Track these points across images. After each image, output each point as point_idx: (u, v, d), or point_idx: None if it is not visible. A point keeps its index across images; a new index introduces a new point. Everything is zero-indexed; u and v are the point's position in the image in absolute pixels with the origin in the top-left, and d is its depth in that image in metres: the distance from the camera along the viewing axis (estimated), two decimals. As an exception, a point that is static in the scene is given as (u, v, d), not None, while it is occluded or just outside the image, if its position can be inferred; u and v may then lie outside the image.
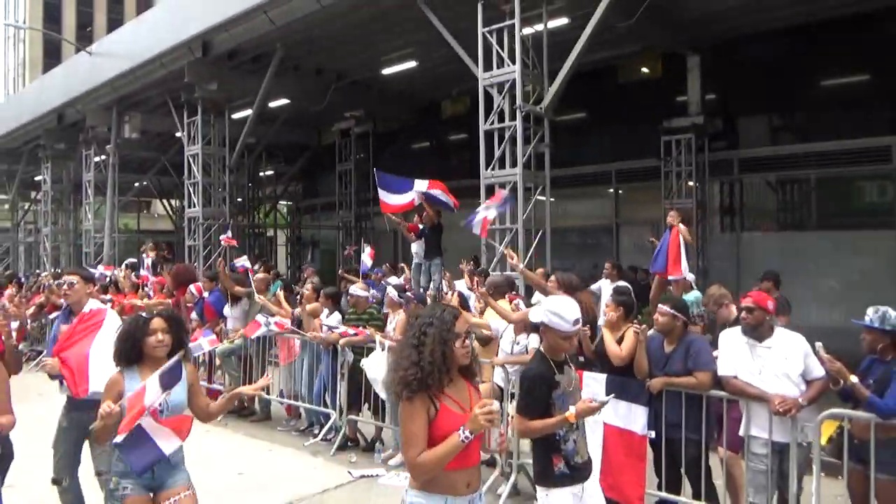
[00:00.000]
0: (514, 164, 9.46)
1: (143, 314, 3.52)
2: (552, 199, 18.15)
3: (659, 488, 4.56)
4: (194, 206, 15.64)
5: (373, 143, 19.70)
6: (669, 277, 8.15)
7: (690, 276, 9.12)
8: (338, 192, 19.93)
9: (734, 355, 4.15)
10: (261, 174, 26.09)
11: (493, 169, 9.67)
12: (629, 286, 6.37)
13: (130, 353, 3.31)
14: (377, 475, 5.85)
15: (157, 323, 3.33)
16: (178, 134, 17.23)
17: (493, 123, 9.72)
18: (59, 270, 16.22)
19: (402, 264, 12.89)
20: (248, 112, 15.85)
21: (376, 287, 9.36)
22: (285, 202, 29.73)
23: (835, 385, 3.83)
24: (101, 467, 3.87)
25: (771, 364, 4.01)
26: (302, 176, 25.79)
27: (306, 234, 26.86)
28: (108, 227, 19.72)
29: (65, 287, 4.29)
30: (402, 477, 5.80)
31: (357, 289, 6.73)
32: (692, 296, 8.94)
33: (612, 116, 16.56)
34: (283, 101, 17.79)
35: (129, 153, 22.29)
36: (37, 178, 25.40)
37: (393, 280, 9.57)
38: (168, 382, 3.09)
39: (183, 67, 14.93)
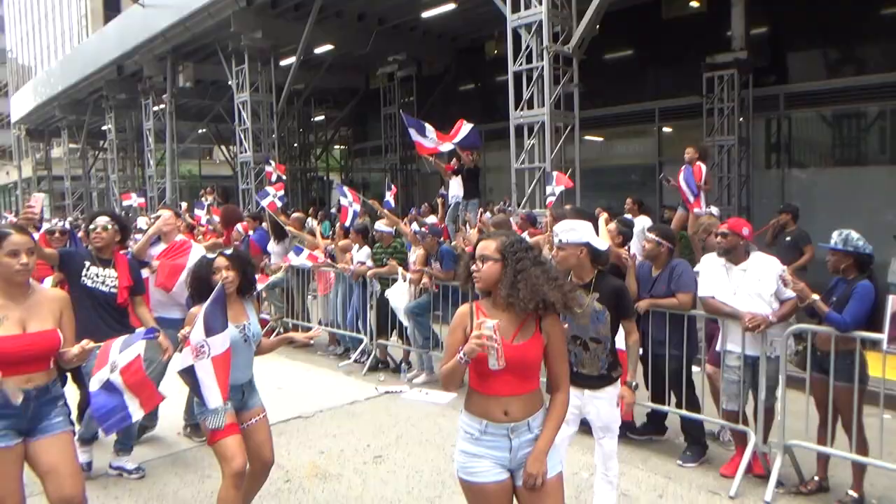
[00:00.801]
0: (542, 105, 9.63)
1: (207, 255, 3.78)
2: (599, 139, 18.23)
3: (649, 400, 4.97)
4: (245, 152, 16.36)
5: (416, 86, 19.90)
6: (695, 210, 8.30)
7: (715, 211, 9.27)
8: (383, 136, 20.36)
9: (711, 277, 4.47)
10: (312, 119, 26.73)
11: (521, 110, 9.88)
12: (632, 220, 6.62)
13: (202, 291, 3.42)
14: (400, 391, 6.45)
15: (219, 261, 3.46)
16: (230, 82, 17.88)
17: (521, 64, 9.88)
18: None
19: (439, 200, 13.14)
20: (297, 59, 16.30)
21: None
22: (338, 146, 30.39)
23: (801, 304, 4.12)
24: None
25: (745, 285, 4.31)
26: (352, 120, 26.26)
27: (357, 176, 27.51)
28: (168, 173, 20.77)
29: (98, 230, 4.32)
30: (424, 393, 6.41)
31: (381, 225, 7.24)
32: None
33: (656, 54, 16.32)
34: (328, 48, 18.13)
35: (186, 101, 23.17)
36: (103, 128, 26.70)
37: (430, 219, 10.02)
38: (212, 327, 3.12)
39: (229, 17, 15.43)
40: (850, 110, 14.11)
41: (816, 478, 4.20)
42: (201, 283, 3.46)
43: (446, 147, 9.38)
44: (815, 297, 4.02)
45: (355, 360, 7.44)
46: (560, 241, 3.54)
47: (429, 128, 9.68)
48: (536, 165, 9.90)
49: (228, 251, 3.67)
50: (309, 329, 8.44)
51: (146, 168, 22.21)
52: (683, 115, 15.64)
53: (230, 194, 19.01)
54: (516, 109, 9.97)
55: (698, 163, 8.34)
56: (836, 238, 4.00)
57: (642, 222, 8.98)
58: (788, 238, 8.10)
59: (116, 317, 4.23)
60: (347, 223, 7.98)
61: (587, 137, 18.55)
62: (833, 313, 3.90)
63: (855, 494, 4.00)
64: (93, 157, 32.37)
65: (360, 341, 7.47)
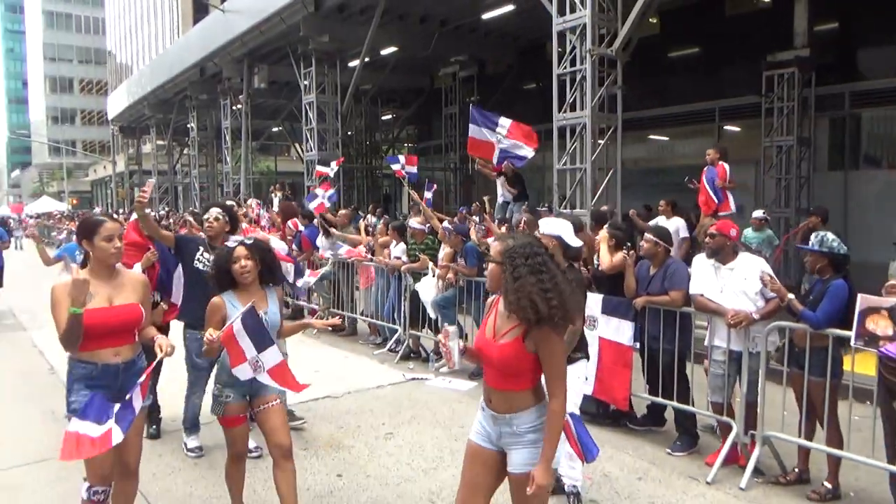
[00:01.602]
0: (583, 108, 9.87)
1: (230, 244, 3.79)
2: (663, 138, 18.05)
3: (647, 392, 5.24)
4: (311, 150, 17.22)
5: (477, 86, 20.31)
6: (720, 213, 8.39)
7: (758, 213, 9.29)
8: (444, 135, 20.86)
9: (701, 276, 4.70)
10: (380, 118, 27.55)
11: (564, 112, 10.15)
12: (623, 224, 6.78)
13: (223, 279, 3.52)
14: (426, 378, 6.91)
15: (239, 251, 3.49)
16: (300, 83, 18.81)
17: (566, 67, 10.14)
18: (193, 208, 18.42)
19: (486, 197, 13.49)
20: (364, 60, 17.02)
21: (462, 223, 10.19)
22: (408, 144, 31.16)
23: (782, 302, 4.32)
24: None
25: (731, 283, 4.53)
26: (417, 119, 26.91)
27: (422, 174, 28.11)
28: (243, 169, 22.02)
29: (211, 220, 4.79)
30: (447, 381, 6.85)
31: (414, 222, 7.72)
32: (763, 234, 9.18)
33: (718, 51, 16.13)
34: (393, 49, 18.80)
35: (263, 101, 24.41)
36: (187, 126, 28.43)
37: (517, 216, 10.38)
38: (258, 341, 3.30)
39: (299, 22, 16.29)
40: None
41: (797, 469, 4.40)
42: (221, 273, 3.52)
43: (497, 155, 9.78)
44: (791, 296, 4.22)
45: (389, 349, 7.96)
46: (542, 232, 4.05)
47: (502, 120, 10.05)
48: (578, 166, 10.14)
49: (248, 241, 3.67)
50: (354, 319, 9.11)
51: (224, 164, 23.54)
52: (744, 115, 15.42)
53: (298, 190, 19.98)
54: (560, 111, 10.24)
55: (721, 163, 8.38)
56: (813, 240, 4.19)
57: (676, 223, 9.16)
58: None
59: None
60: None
61: (651, 137, 18.59)
62: (807, 311, 4.10)
63: (829, 485, 4.18)
64: (178, 153, 34.41)
65: (395, 331, 7.99)
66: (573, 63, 10.03)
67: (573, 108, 10.07)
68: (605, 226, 5.44)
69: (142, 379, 3.11)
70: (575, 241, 4.09)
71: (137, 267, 4.61)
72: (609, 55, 9.95)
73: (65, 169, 57.47)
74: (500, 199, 11.61)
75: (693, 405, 4.98)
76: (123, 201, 39.54)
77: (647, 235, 5.03)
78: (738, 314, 4.38)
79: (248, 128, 21.67)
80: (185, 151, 33.72)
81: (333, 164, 12.74)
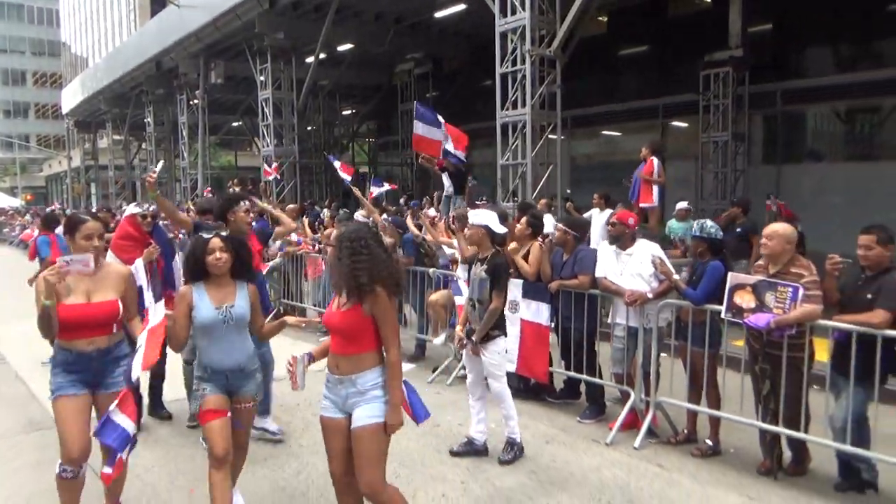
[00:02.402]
0: (524, 105, 10.39)
1: (205, 235, 3.74)
2: (616, 133, 18.64)
3: (562, 368, 5.76)
4: (268, 146, 17.47)
5: (434, 82, 20.74)
6: (641, 205, 8.96)
7: (682, 205, 9.90)
8: (401, 131, 21.27)
9: (604, 261, 5.23)
10: (342, 114, 27.79)
11: (506, 110, 10.65)
12: (541, 213, 7.23)
13: (195, 270, 3.51)
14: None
15: (215, 242, 3.50)
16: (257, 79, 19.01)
17: (507, 67, 10.64)
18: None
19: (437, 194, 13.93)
20: (320, 56, 17.31)
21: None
22: (369, 140, 31.45)
23: (670, 283, 4.87)
24: (187, 356, 4.79)
25: (629, 267, 5.06)
26: (376, 115, 27.26)
27: (381, 169, 28.52)
28: (200, 165, 22.10)
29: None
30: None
31: (359, 215, 8.14)
32: (685, 224, 9.79)
33: (662, 51, 16.87)
34: (349, 46, 19.11)
35: (220, 96, 24.49)
36: (145, 121, 28.29)
37: (431, 212, 10.85)
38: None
39: (254, 18, 16.51)
40: (849, 105, 14.44)
41: (685, 431, 4.96)
42: (197, 263, 3.49)
43: (445, 148, 10.11)
44: (676, 276, 4.77)
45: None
46: (471, 222, 4.70)
47: (442, 122, 10.40)
48: (520, 162, 10.66)
49: (224, 233, 3.75)
50: (303, 309, 9.49)
51: (181, 159, 23.58)
52: (685, 112, 16.16)
53: (256, 185, 20.15)
54: (502, 109, 10.74)
55: (651, 158, 8.93)
56: (695, 226, 4.75)
57: (605, 216, 9.70)
58: (738, 230, 8.68)
59: None
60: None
61: (603, 132, 19.27)
62: (688, 289, 4.66)
63: (710, 443, 4.74)
64: (135, 148, 34.14)
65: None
66: (514, 63, 10.53)
67: (515, 106, 10.58)
68: (525, 216, 5.91)
69: (114, 404, 3.36)
70: (500, 229, 4.68)
71: (139, 262, 4.64)
72: (548, 55, 10.47)
73: (18, 164, 56.27)
74: (445, 193, 11.99)
75: (601, 378, 5.52)
76: (79, 197, 39.06)
77: (559, 225, 5.55)
78: (633, 294, 4.91)
79: (206, 123, 21.76)
80: (142, 146, 33.52)
81: (271, 169, 13.04)
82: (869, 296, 3.95)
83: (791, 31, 14.53)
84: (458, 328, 4.87)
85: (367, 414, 3.02)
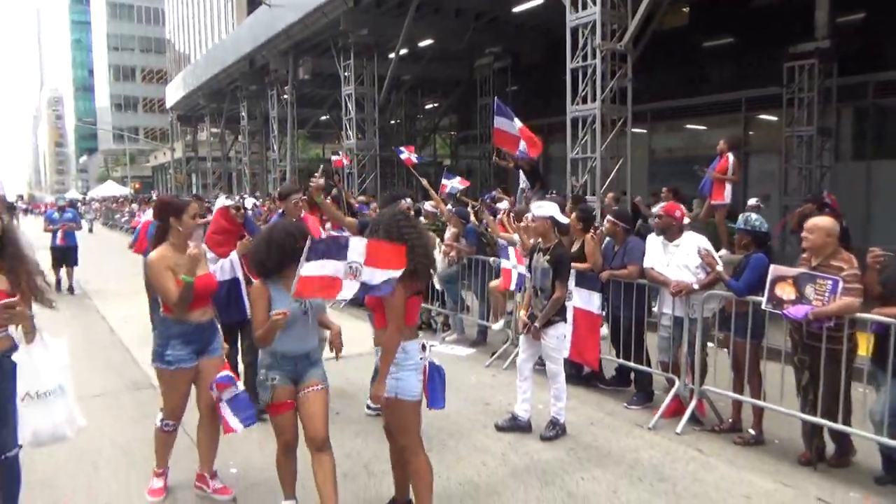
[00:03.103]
0: (594, 100, 10.49)
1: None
2: (701, 127, 18.32)
3: (614, 355, 5.96)
4: (349, 139, 18.20)
5: (512, 76, 20.91)
6: (712, 203, 8.89)
7: (752, 202, 9.76)
8: (479, 125, 21.55)
9: (652, 252, 5.38)
10: (426, 107, 28.37)
11: (576, 104, 10.78)
12: (590, 207, 7.36)
13: (285, 262, 3.41)
14: (432, 345, 7.72)
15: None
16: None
17: (578, 62, 10.76)
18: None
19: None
20: (402, 52, 17.87)
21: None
22: (453, 133, 31.90)
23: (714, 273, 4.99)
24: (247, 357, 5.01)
25: (676, 258, 5.20)
26: (458, 108, 27.66)
27: (462, 162, 28.94)
28: (288, 156, 23.20)
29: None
30: (450, 347, 7.68)
31: (428, 205, 8.53)
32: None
33: (744, 42, 16.41)
34: (429, 42, 19.59)
35: (308, 91, 25.56)
36: (240, 115, 29.87)
37: (503, 204, 11.14)
38: (336, 253, 3.19)
39: (339, 16, 17.23)
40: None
41: (731, 420, 5.08)
42: (285, 255, 3.40)
43: (521, 146, 10.32)
44: (720, 267, 4.90)
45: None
46: (534, 215, 5.03)
47: (517, 121, 10.65)
48: (589, 156, 10.77)
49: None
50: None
51: (272, 151, 24.80)
52: (768, 105, 15.68)
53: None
54: (573, 104, 10.88)
55: (727, 154, 8.83)
56: (740, 220, 4.86)
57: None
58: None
59: None
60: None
61: (686, 127, 18.93)
62: (732, 280, 4.78)
63: (753, 432, 4.85)
64: (231, 140, 36.02)
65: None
66: (585, 58, 10.64)
67: (585, 101, 10.69)
68: (575, 209, 6.13)
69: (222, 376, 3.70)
70: (563, 219, 5.02)
71: (234, 254, 4.90)
72: (619, 50, 10.51)
73: (128, 155, 60.30)
74: (520, 187, 12.19)
75: (650, 366, 5.69)
76: (181, 186, 41.61)
77: (609, 217, 5.74)
78: (678, 284, 5.07)
79: (294, 117, 22.82)
80: (237, 139, 35.35)
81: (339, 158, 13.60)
82: (910, 290, 3.98)
83: (884, 20, 13.84)
84: (522, 313, 5.15)
85: (388, 387, 3.30)
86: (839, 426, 4.27)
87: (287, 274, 3.35)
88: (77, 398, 5.64)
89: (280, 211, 5.35)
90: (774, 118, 16.05)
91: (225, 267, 4.92)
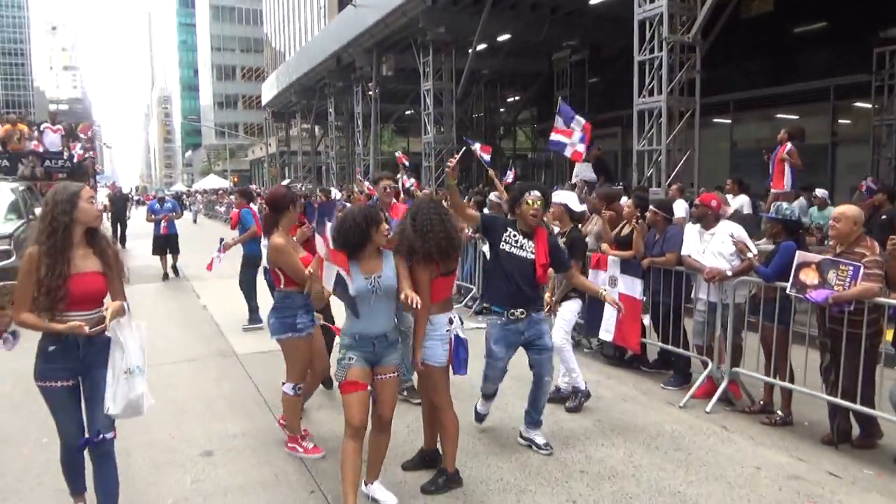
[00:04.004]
0: (660, 92, 10.59)
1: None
2: (790, 116, 17.88)
3: (658, 340, 6.22)
4: (428, 133, 18.83)
5: (591, 69, 20.93)
6: (772, 190, 8.87)
7: (820, 192, 9.62)
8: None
9: (690, 240, 5.60)
10: (507, 100, 28.68)
11: (643, 97, 10.90)
12: (646, 195, 7.47)
13: (359, 240, 3.47)
14: (483, 327, 8.19)
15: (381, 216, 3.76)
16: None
17: (646, 54, 10.87)
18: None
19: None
20: (480, 47, 18.33)
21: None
22: (535, 125, 32.08)
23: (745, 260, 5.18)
24: None
25: (711, 246, 5.40)
26: (538, 101, 27.83)
27: (541, 155, 29.09)
28: (372, 150, 24.13)
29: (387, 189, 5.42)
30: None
31: (493, 196, 8.97)
32: (826, 212, 9.53)
33: (832, 28, 15.79)
34: (506, 36, 19.92)
35: (392, 87, 26.44)
36: (328, 111, 31.21)
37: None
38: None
39: (418, 15, 17.87)
40: None
41: (762, 402, 5.27)
42: (363, 234, 3.46)
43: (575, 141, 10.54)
44: (751, 254, 5.10)
45: (465, 305, 9.32)
46: (554, 201, 5.34)
47: (578, 118, 10.90)
48: (654, 148, 10.88)
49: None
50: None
51: (356, 146, 25.86)
52: (858, 93, 15.08)
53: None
54: (639, 96, 11.01)
55: (787, 143, 8.79)
56: (772, 209, 5.04)
57: (740, 201, 9.73)
58: (884, 217, 8.35)
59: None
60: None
61: (772, 116, 18.40)
62: (761, 267, 4.97)
63: (781, 414, 5.03)
64: (320, 135, 37.59)
65: (471, 290, 9.34)
66: (652, 50, 10.74)
67: (651, 93, 10.80)
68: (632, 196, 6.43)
69: None
70: (578, 207, 5.36)
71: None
72: (687, 42, 10.55)
73: (227, 150, 63.79)
74: (574, 179, 12.26)
75: (688, 349, 5.92)
76: (275, 179, 43.77)
77: (651, 207, 6.00)
78: (711, 271, 5.29)
79: (377, 112, 23.71)
80: (326, 134, 36.83)
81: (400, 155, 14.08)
82: (929, 275, 4.10)
83: None
84: (547, 295, 5.57)
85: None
86: (857, 407, 4.42)
87: (360, 256, 3.49)
88: (173, 362, 6.57)
89: (374, 196, 5.38)
90: (866, 106, 15.43)
91: None
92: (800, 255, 4.63)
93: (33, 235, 3.10)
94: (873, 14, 13.74)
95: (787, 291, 4.67)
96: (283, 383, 4.39)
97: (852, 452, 4.52)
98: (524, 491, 3.90)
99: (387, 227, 3.61)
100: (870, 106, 14.32)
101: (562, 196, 5.40)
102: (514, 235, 4.28)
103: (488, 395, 4.65)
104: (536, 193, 4.26)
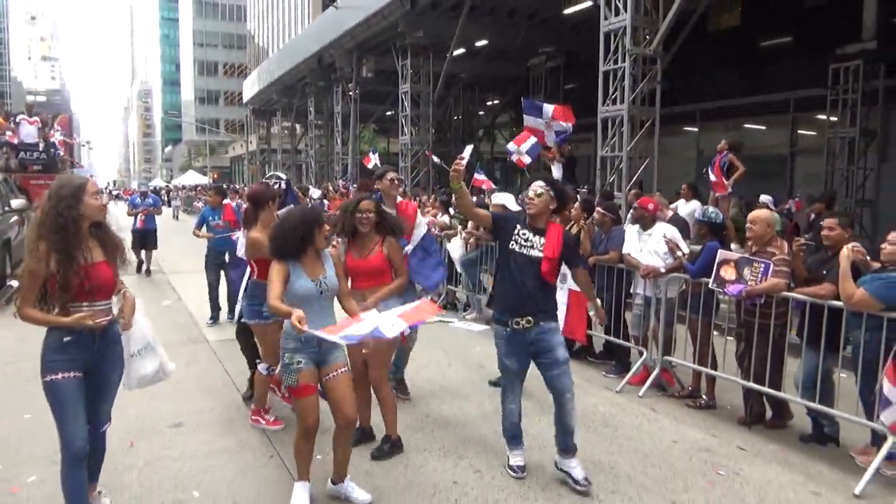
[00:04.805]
0: (622, 101, 11.12)
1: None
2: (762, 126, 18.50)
3: (603, 332, 6.71)
4: (405, 135, 19.27)
5: (566, 75, 21.50)
6: (716, 194, 9.45)
7: (766, 199, 10.21)
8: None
9: (630, 240, 6.11)
10: (487, 104, 29.18)
11: (606, 105, 11.43)
12: (592, 199, 7.95)
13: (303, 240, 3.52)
14: (451, 321, 8.66)
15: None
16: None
17: (610, 65, 11.40)
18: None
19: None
20: (458, 51, 18.80)
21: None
22: (514, 129, 32.65)
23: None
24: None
25: (648, 245, 5.91)
26: (515, 105, 28.34)
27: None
28: (350, 150, 24.51)
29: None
30: (466, 324, 8.57)
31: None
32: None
33: (794, 43, 16.51)
34: (484, 42, 20.42)
35: (373, 88, 26.81)
36: (309, 109, 31.51)
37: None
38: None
39: (398, 18, 18.30)
40: None
41: (689, 387, 5.78)
42: (307, 240, 3.55)
43: (550, 138, 11.01)
44: (681, 253, 5.61)
45: (430, 300, 9.75)
46: (493, 202, 5.75)
47: (546, 107, 11.14)
48: (616, 154, 11.41)
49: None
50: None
51: (335, 145, 26.23)
52: (816, 106, 15.74)
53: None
54: (603, 104, 11.53)
55: (726, 152, 9.40)
56: (699, 212, 5.55)
57: (692, 206, 10.28)
58: (821, 223, 8.91)
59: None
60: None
61: (736, 126, 19.08)
62: (688, 264, 5.49)
63: (706, 398, 5.55)
64: (301, 134, 37.86)
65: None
66: (616, 61, 11.27)
67: (615, 102, 11.32)
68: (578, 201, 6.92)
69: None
70: (514, 207, 5.81)
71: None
72: (649, 54, 11.09)
73: (208, 146, 63.68)
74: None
75: (628, 341, 6.42)
76: (255, 177, 43.92)
77: (598, 209, 6.50)
78: (647, 268, 5.80)
79: (357, 113, 24.10)
80: (307, 132, 37.10)
81: (374, 157, 14.51)
82: (825, 272, 4.63)
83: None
84: None
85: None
86: (767, 389, 4.93)
87: (304, 257, 3.53)
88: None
89: (378, 192, 5.01)
90: (822, 118, 16.12)
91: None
92: (721, 254, 5.15)
93: (33, 231, 3.03)
94: (833, 31, 14.42)
95: (710, 286, 5.18)
96: (258, 363, 4.87)
97: (765, 432, 5.03)
98: (462, 456, 4.36)
99: (327, 228, 3.75)
100: (825, 118, 14.99)
101: (501, 197, 5.84)
102: (524, 233, 3.94)
103: (514, 437, 4.15)
104: (538, 183, 3.97)
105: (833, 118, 14.52)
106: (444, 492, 3.91)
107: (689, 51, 13.31)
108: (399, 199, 5.13)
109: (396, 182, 5.06)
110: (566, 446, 4.02)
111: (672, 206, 10.61)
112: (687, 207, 9.95)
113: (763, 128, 18.25)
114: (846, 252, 4.30)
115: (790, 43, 16.58)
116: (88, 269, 3.02)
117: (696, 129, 19.72)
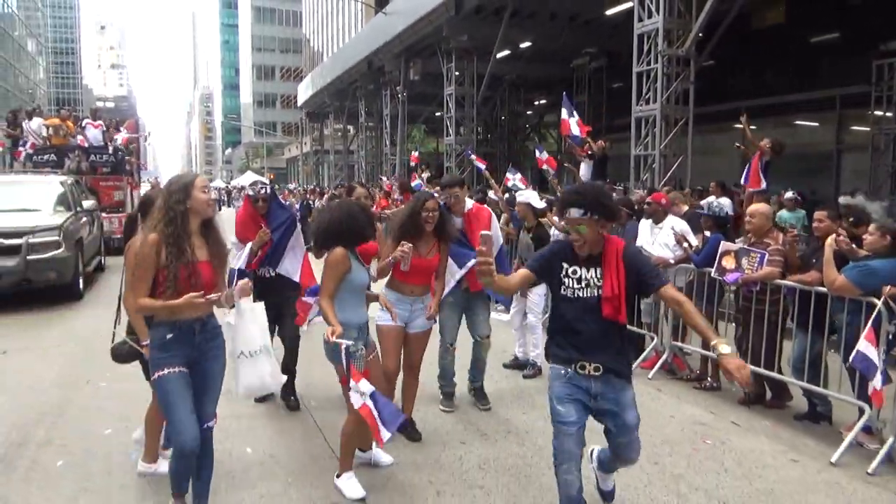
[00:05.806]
0: (655, 101, 11.43)
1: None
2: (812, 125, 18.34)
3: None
4: (450, 136, 19.86)
5: (609, 75, 21.72)
6: (750, 190, 9.63)
7: (789, 195, 10.36)
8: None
9: (643, 233, 6.52)
10: (531, 104, 29.55)
11: (640, 105, 11.75)
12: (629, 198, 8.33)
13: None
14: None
15: (431, 203, 4.35)
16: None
17: (644, 66, 11.72)
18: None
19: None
20: (502, 53, 19.31)
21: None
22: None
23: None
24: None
25: (659, 238, 6.31)
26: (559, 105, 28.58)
27: (565, 156, 29.81)
28: (399, 150, 25.26)
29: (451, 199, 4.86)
30: (495, 314, 9.08)
31: (491, 194, 9.94)
32: (796, 214, 10.29)
33: (839, 40, 16.38)
34: (527, 44, 20.85)
35: (421, 90, 27.53)
36: (359, 112, 32.48)
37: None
38: None
39: (443, 23, 18.91)
40: None
41: (697, 371, 6.17)
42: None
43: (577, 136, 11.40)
44: (687, 244, 6.00)
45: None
46: (518, 200, 6.26)
47: (575, 115, 11.64)
48: (650, 153, 11.72)
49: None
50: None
51: (385, 146, 27.05)
52: (861, 103, 15.64)
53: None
54: (637, 104, 11.86)
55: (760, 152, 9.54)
56: (704, 206, 5.94)
57: (721, 203, 10.50)
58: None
59: None
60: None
61: (779, 125, 18.98)
62: (694, 255, 5.88)
63: (711, 381, 5.93)
64: (353, 135, 38.94)
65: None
66: (650, 62, 11.59)
67: (648, 102, 11.64)
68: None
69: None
70: (539, 204, 6.28)
71: (247, 247, 4.89)
72: (681, 55, 11.37)
73: (265, 148, 65.77)
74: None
75: (641, 327, 6.83)
76: (309, 177, 45.33)
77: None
78: (657, 259, 6.20)
79: (405, 115, 24.83)
80: (359, 134, 38.13)
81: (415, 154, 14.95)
82: (814, 260, 4.98)
83: None
84: None
85: (429, 324, 4.55)
86: (763, 370, 5.30)
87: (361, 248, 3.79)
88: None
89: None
90: (867, 114, 15.97)
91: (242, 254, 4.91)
92: (723, 245, 5.54)
93: (151, 223, 3.11)
94: (873, 27, 14.33)
95: (712, 275, 5.58)
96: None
97: (763, 411, 5.39)
98: (468, 444, 4.90)
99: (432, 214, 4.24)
100: (870, 114, 14.89)
101: (526, 195, 6.34)
102: (574, 270, 3.09)
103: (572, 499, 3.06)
104: (573, 211, 2.99)
105: (878, 113, 14.43)
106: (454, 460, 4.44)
107: (733, 49, 13.48)
108: (469, 203, 5.06)
109: (462, 197, 4.93)
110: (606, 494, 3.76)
111: (703, 202, 10.94)
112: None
113: (809, 124, 18.11)
114: (830, 241, 4.65)
115: (834, 39, 16.44)
116: (194, 265, 3.08)
117: (741, 127, 19.64)
